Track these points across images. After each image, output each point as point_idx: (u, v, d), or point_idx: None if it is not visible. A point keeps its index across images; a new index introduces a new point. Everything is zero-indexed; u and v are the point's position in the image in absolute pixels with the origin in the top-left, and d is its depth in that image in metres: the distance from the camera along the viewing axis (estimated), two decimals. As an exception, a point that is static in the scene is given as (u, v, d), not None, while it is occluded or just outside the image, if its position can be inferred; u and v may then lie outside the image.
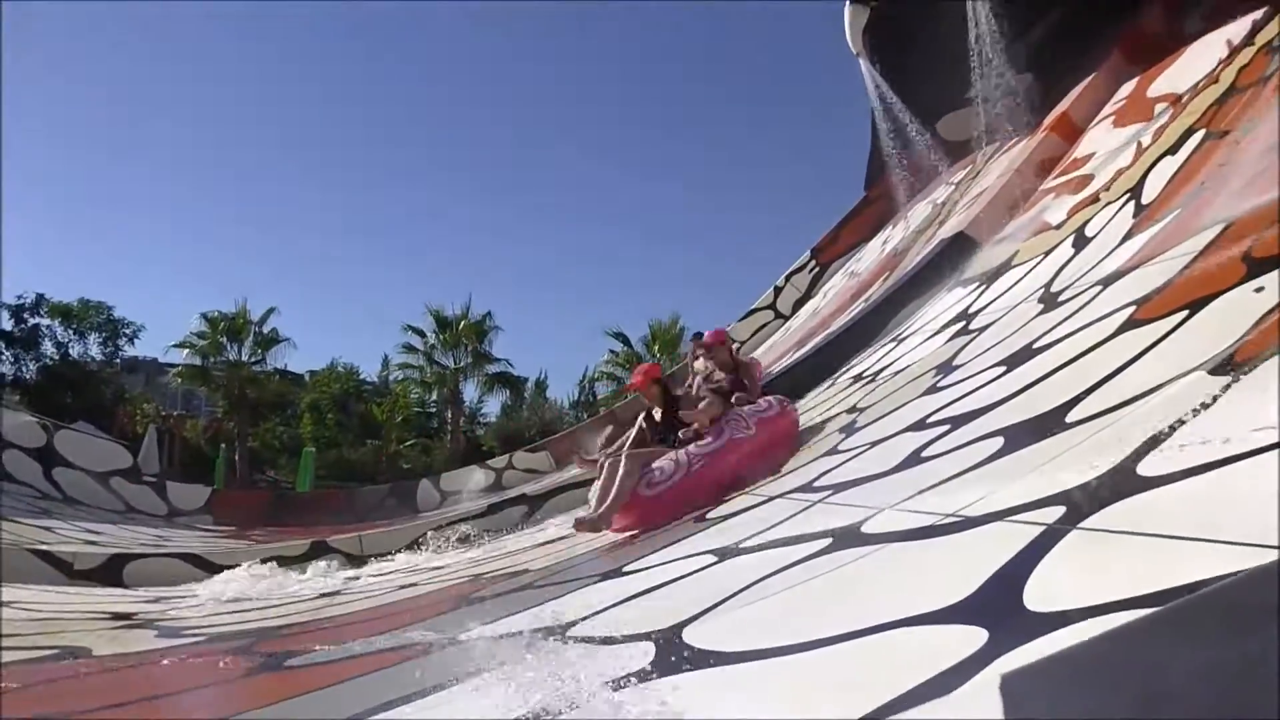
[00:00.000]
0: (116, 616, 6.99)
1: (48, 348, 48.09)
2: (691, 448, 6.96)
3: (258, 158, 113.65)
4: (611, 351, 42.38)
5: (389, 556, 9.64)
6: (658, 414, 7.65)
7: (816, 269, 21.87)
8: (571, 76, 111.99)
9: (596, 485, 7.16)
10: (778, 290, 22.21)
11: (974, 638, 2.07)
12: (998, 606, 2.25)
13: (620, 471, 6.80)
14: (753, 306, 22.49)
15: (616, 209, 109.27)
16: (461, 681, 3.29)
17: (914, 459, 4.58)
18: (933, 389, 6.30)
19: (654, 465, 6.85)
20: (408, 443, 45.78)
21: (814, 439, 7.10)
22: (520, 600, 5.03)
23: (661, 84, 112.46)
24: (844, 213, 22.53)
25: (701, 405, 7.46)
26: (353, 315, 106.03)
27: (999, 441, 4.05)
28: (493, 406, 48.34)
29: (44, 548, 9.87)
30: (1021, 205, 11.15)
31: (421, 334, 42.98)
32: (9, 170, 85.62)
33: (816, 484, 5.16)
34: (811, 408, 8.96)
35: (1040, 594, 2.21)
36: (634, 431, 7.62)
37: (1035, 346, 5.64)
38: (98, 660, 5.32)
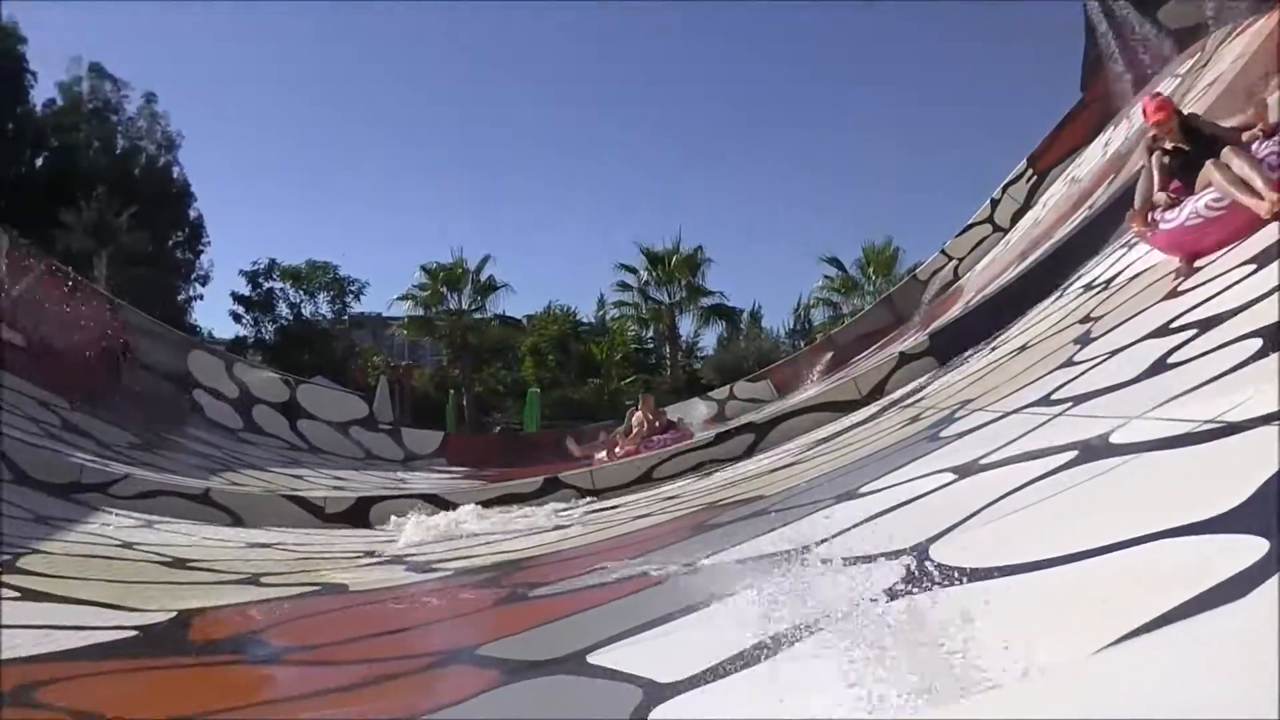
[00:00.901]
0: (368, 554, 7.37)
1: (282, 309, 50.87)
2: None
3: (459, 109, 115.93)
4: (826, 277, 41.93)
5: (621, 490, 9.82)
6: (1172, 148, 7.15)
7: (1034, 178, 20.94)
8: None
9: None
10: (994, 203, 21.42)
11: (1253, 548, 1.93)
12: (1276, 516, 2.09)
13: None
14: (969, 221, 21.77)
15: (824, 129, 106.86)
16: (707, 606, 3.32)
17: (1160, 366, 4.33)
18: (1173, 293, 5.96)
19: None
20: (628, 379, 46.40)
21: (1049, 352, 6.84)
22: (758, 525, 5.04)
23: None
24: (1060, 117, 21.49)
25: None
26: (565, 257, 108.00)
27: (1256, 343, 3.79)
28: (709, 340, 48.56)
29: (297, 494, 10.49)
30: (1261, 92, 10.38)
31: (634, 271, 43.45)
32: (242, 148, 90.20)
33: (1054, 397, 4.97)
34: (1039, 320, 8.64)
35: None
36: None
37: (1288, 241, 5.25)
38: (354, 594, 5.62)
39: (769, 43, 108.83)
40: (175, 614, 4.99)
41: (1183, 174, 6.84)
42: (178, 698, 3.59)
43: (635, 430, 15.01)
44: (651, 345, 49.60)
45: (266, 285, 50.83)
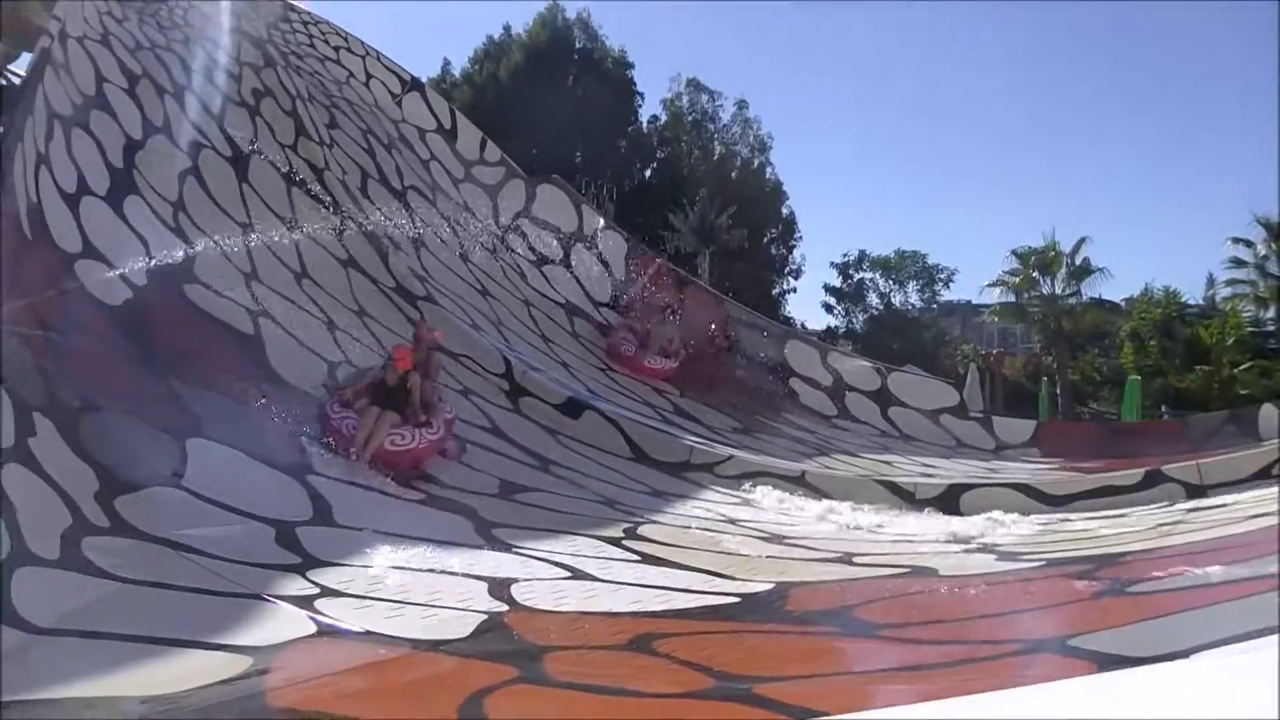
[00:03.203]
0: (957, 540, 7.35)
1: (872, 299, 52.05)
2: None
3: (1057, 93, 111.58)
4: None
5: (1234, 486, 9.01)
6: None
7: None
8: None
9: None
10: None
11: None
12: None
13: None
14: None
15: None
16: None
17: None
18: None
19: None
20: (1243, 366, 42.39)
21: None
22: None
23: None
24: None
25: None
26: (1167, 236, 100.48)
27: None
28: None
29: (888, 479, 10.68)
30: None
31: (1251, 245, 39.59)
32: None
33: None
34: None
35: None
36: None
37: None
38: (944, 579, 5.64)
39: None
40: (774, 585, 5.31)
41: None
42: (773, 660, 3.84)
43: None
44: (1273, 327, 44.91)
45: (857, 276, 52.33)
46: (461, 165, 19.08)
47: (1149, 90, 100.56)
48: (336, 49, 19.15)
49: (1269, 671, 2.51)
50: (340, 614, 4.43)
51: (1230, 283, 41.29)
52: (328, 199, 12.61)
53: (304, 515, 6.38)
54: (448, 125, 19.67)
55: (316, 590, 4.83)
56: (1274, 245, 38.54)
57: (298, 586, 4.85)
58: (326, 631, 4.18)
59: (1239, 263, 39.89)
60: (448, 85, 45.28)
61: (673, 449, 10.78)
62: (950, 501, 9.56)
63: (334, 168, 13.72)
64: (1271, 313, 42.08)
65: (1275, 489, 8.32)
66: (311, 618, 4.32)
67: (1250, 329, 43.84)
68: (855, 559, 6.46)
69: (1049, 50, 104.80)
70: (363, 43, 19.78)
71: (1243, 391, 38.83)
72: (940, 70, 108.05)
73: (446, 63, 49.62)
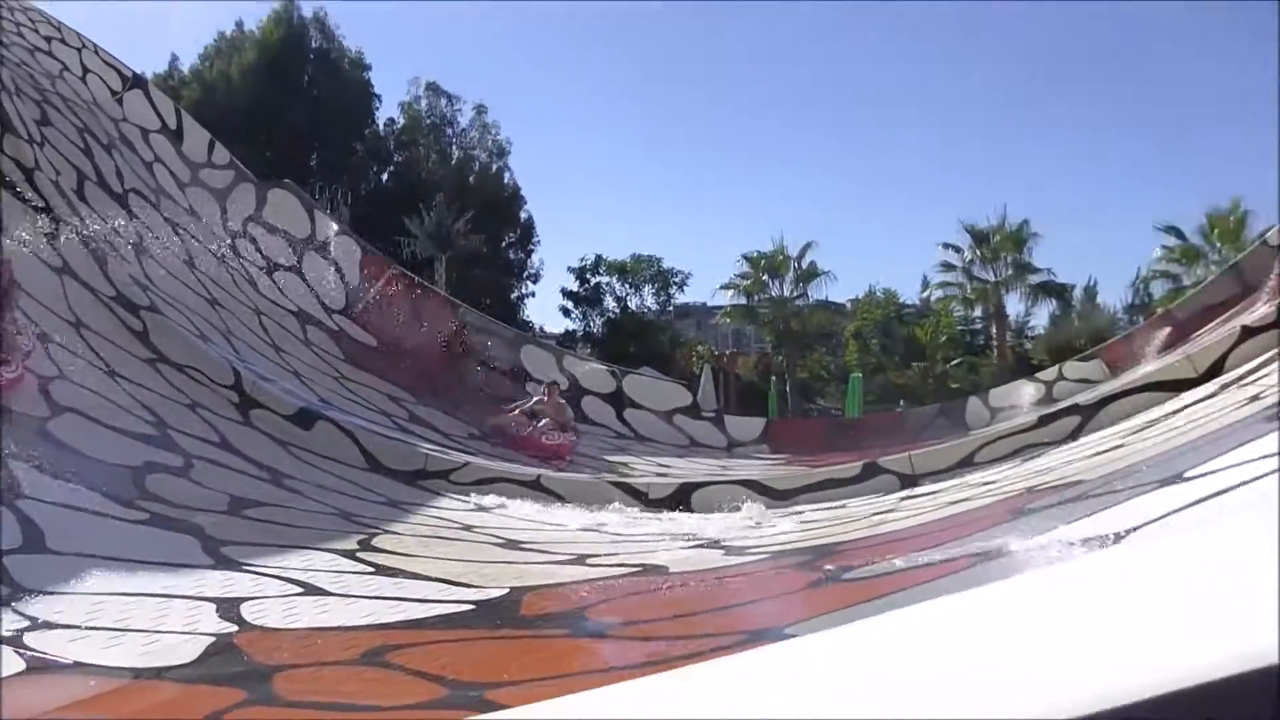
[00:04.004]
0: (688, 538, 7.60)
1: (609, 303, 52.92)
2: None
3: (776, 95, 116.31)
4: (1164, 248, 39.47)
5: (941, 475, 9.67)
6: None
7: None
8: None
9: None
10: (1361, 156, 19.52)
11: None
12: None
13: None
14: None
15: (1153, 87, 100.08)
16: (1016, 591, 3.29)
17: None
18: None
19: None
20: (953, 362, 45.36)
21: None
22: (1073, 511, 4.91)
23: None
24: None
25: None
26: (886, 241, 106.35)
27: None
28: (1039, 319, 46.83)
29: (623, 480, 10.93)
30: None
31: (958, 250, 42.44)
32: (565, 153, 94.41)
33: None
34: None
35: None
36: None
37: None
38: (673, 575, 5.84)
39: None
40: (508, 590, 5.37)
41: None
42: (508, 665, 3.90)
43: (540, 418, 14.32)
44: (979, 326, 48.31)
45: (594, 280, 53.04)
46: (188, 168, 18.19)
47: (871, 98, 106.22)
48: (48, 39, 17.83)
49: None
50: (52, 648, 4.20)
51: (942, 285, 44.06)
52: (39, 202, 11.83)
53: (13, 543, 6.00)
54: (173, 125, 18.75)
55: (26, 624, 4.56)
56: (979, 251, 41.41)
57: (4, 621, 4.58)
58: (36, 667, 3.96)
59: (949, 267, 42.64)
60: (175, 83, 43.12)
61: (407, 457, 10.68)
62: (682, 500, 9.86)
63: (46, 168, 12.87)
64: (978, 312, 45.23)
65: (976, 475, 8.99)
66: (19, 653, 4.08)
67: (960, 328, 47.04)
68: (589, 560, 6.58)
69: (774, 54, 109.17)
70: (79, 34, 18.59)
71: (954, 385, 41.62)
72: (675, 74, 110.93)
73: (174, 59, 47.26)
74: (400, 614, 4.84)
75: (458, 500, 9.51)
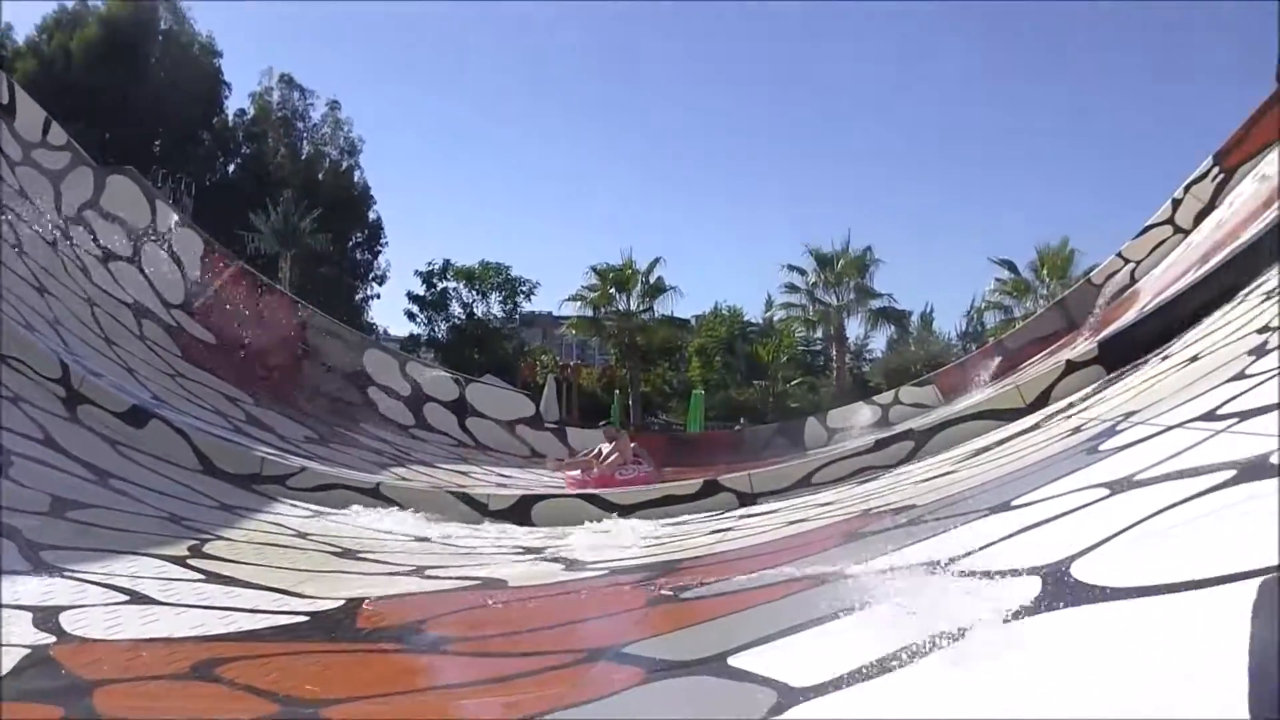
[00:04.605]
0: (528, 551, 7.58)
1: (455, 308, 52.55)
2: None
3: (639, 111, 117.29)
4: (998, 280, 41.07)
5: (779, 494, 9.85)
6: None
7: (1221, 176, 19.92)
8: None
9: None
10: (1176, 203, 20.48)
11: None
12: None
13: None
14: (1148, 223, 20.91)
15: (995, 127, 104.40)
16: (849, 614, 3.36)
17: (1334, 382, 4.18)
18: (1357, 303, 5.69)
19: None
20: (794, 381, 46.37)
21: (1220, 364, 6.60)
22: (907, 535, 5.04)
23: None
24: (1252, 110, 20.41)
25: None
26: (734, 259, 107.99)
27: None
28: (878, 342, 48.19)
29: (464, 490, 10.83)
30: None
31: (803, 272, 43.32)
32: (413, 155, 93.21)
33: (1220, 412, 4.82)
34: (1216, 329, 8.33)
35: None
36: None
37: None
38: (512, 589, 5.81)
39: (934, 36, 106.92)
40: (345, 601, 5.26)
41: None
42: (343, 681, 3.82)
43: (607, 458, 14.84)
44: (819, 347, 49.40)
45: (441, 285, 52.60)
46: (20, 147, 17.32)
47: (725, 117, 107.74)
48: None
49: (803, 665, 2.81)
50: None
51: (785, 305, 44.91)
52: None
53: None
54: (4, 100, 17.88)
55: None
56: (822, 274, 42.32)
57: None
58: None
59: (793, 288, 43.43)
60: (8, 54, 40.86)
61: (243, 460, 10.39)
62: (522, 512, 9.83)
63: None
64: (819, 334, 46.21)
65: (814, 496, 9.19)
66: None
67: (801, 348, 48.05)
68: (427, 572, 6.51)
69: (625, 67, 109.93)
70: (-102, 1, 17.63)
71: (793, 405, 42.49)
72: (532, 83, 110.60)
73: (8, 28, 44.42)
74: (231, 625, 4.69)
75: (295, 505, 9.30)
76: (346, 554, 7.22)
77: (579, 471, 14.51)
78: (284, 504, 9.33)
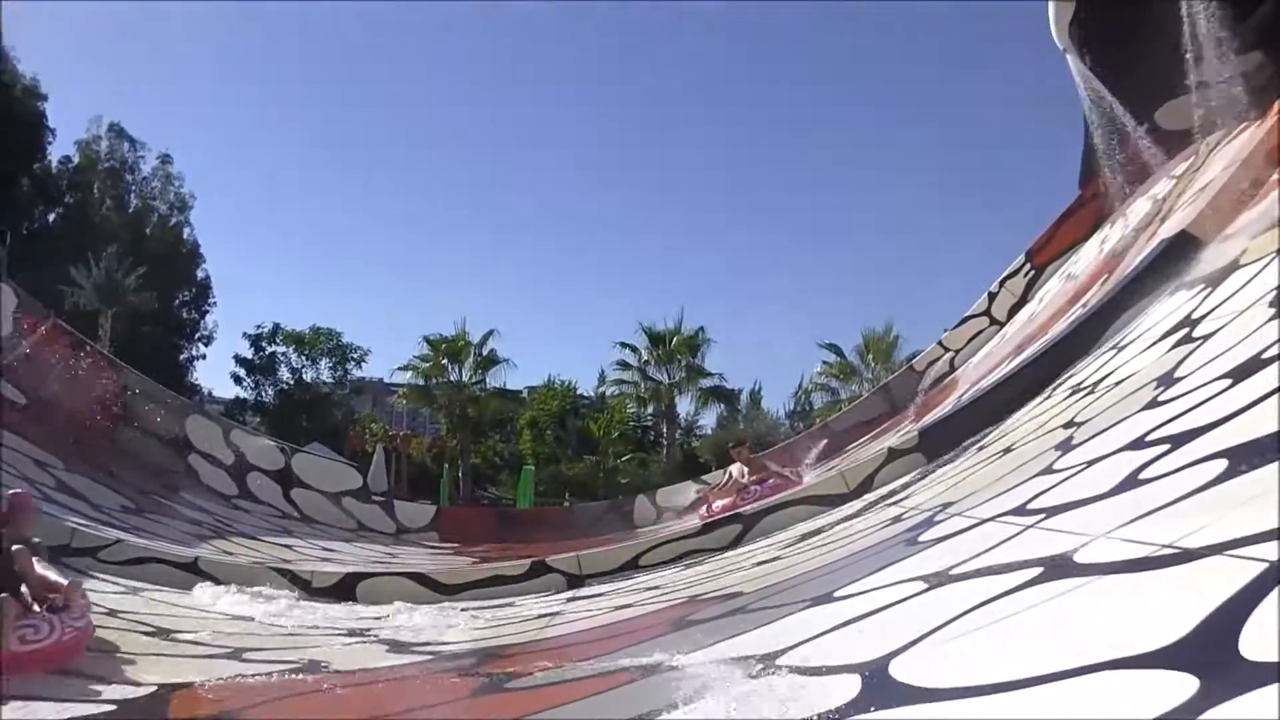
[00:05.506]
0: (351, 633, 7.40)
1: (284, 373, 51.35)
2: None
3: (468, 179, 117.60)
4: (825, 363, 42.19)
5: (607, 577, 9.84)
6: None
7: (1032, 272, 21.00)
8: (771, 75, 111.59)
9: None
10: (992, 296, 21.48)
11: (1183, 686, 2.01)
12: (1211, 653, 2.15)
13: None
14: (967, 314, 21.85)
15: (825, 217, 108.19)
16: (674, 710, 3.38)
17: (1132, 481, 4.39)
18: (1153, 403, 5.99)
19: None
20: (625, 457, 46.52)
21: (1030, 457, 6.90)
22: (732, 625, 5.10)
23: (864, 85, 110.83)
24: (1059, 212, 21.59)
25: None
26: (567, 333, 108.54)
27: (1222, 464, 3.85)
28: (708, 419, 48.82)
29: (286, 566, 10.51)
30: (1250, 199, 10.47)
31: (635, 350, 43.72)
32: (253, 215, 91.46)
33: (1030, 506, 5.04)
34: (1028, 421, 8.72)
35: (1259, 641, 2.08)
36: None
37: (1264, 357, 5.31)
38: (334, 674, 5.65)
39: (772, 125, 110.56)
40: (156, 687, 5.03)
41: None
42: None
43: (729, 482, 15.25)
44: (650, 423, 49.80)
45: (269, 349, 51.35)
46: None
47: (557, 193, 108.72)
48: None
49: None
50: None
51: (618, 382, 45.17)
52: None
53: None
54: None
55: None
56: (653, 351, 42.82)
57: None
58: None
59: (625, 365, 43.78)
60: None
61: (53, 531, 9.86)
62: (347, 590, 9.60)
63: None
64: (650, 410, 46.61)
65: (641, 579, 9.22)
66: None
67: (632, 424, 48.36)
68: (245, 654, 6.29)
69: (474, 136, 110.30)
70: None
71: (624, 480, 42.61)
72: (367, 163, 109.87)
73: None
74: (27, 713, 4.44)
75: (106, 581, 8.88)
76: (160, 634, 6.92)
77: (731, 499, 14.51)
78: (95, 578, 8.87)
